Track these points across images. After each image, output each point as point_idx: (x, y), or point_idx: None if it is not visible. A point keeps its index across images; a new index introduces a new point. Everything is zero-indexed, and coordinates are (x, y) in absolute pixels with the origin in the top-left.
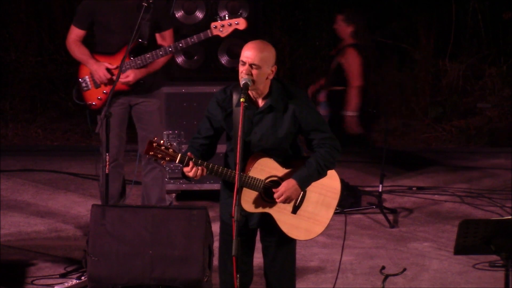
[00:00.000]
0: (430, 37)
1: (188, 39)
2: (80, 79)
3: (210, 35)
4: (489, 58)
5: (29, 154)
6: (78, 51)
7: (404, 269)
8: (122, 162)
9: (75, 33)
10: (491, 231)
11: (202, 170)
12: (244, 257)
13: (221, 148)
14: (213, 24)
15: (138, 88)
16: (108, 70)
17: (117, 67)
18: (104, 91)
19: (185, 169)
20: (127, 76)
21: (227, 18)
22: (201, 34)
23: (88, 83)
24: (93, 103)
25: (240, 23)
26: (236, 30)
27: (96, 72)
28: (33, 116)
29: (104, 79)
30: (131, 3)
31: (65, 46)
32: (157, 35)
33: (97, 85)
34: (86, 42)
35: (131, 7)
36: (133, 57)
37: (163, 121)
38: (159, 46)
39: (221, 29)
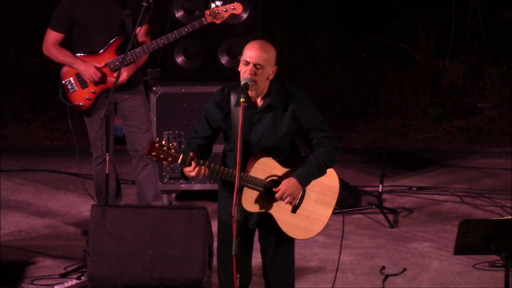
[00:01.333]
0: (430, 37)
1: (182, 29)
2: (64, 82)
3: (205, 22)
4: (489, 58)
5: (29, 154)
6: (60, 54)
7: (404, 269)
8: (113, 159)
9: (53, 37)
10: (491, 231)
11: (205, 170)
12: (244, 257)
13: (219, 148)
14: (207, 12)
15: (125, 85)
16: (97, 69)
17: (105, 65)
18: (93, 91)
19: (187, 169)
20: (121, 75)
21: (219, 5)
22: (195, 23)
23: (74, 84)
24: (81, 103)
25: (237, 8)
26: (232, 15)
27: (87, 72)
28: (33, 116)
29: (96, 78)
30: (109, 0)
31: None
32: (136, 30)
33: (84, 86)
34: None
35: (110, 4)
36: (120, 54)
37: (149, 116)
38: (140, 42)
39: (216, 15)
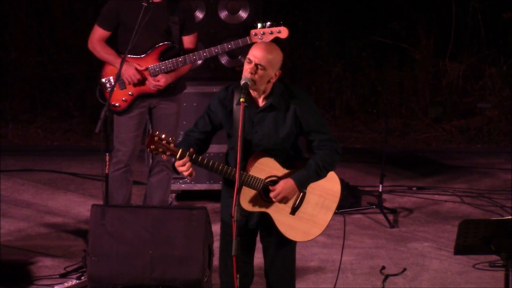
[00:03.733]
0: (430, 37)
1: (225, 45)
2: (103, 80)
3: (249, 42)
4: (489, 58)
5: (29, 154)
6: (103, 51)
7: (404, 269)
8: (133, 168)
9: (99, 34)
10: (491, 231)
11: (192, 168)
12: (245, 257)
13: (223, 148)
14: (253, 32)
15: (162, 91)
16: (137, 71)
17: (146, 69)
18: (130, 93)
19: (177, 163)
20: (158, 81)
21: (266, 26)
22: (239, 41)
23: (113, 83)
24: (117, 104)
25: (283, 32)
26: (277, 39)
27: (126, 72)
28: (33, 116)
29: (135, 79)
30: (158, 4)
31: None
32: (184, 38)
33: (122, 87)
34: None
35: (159, 8)
36: (163, 60)
37: (178, 126)
38: (186, 50)
39: (261, 36)
